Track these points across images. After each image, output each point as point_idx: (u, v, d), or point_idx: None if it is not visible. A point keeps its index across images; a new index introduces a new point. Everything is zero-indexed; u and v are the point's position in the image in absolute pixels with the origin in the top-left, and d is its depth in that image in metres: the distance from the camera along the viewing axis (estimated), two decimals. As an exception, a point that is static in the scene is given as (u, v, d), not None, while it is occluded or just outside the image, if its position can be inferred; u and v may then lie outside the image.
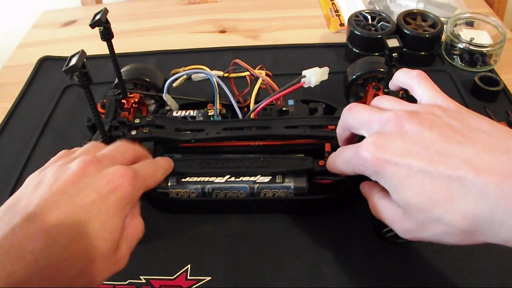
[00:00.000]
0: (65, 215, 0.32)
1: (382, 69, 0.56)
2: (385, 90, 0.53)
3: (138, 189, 0.37)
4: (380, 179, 0.35)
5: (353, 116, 0.39)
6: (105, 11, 0.48)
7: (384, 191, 0.37)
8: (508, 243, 0.32)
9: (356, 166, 0.37)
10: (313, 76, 0.51)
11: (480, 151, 0.32)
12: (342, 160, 0.39)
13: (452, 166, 0.32)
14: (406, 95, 0.42)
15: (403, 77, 0.41)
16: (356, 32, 0.70)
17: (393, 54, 0.47)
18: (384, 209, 0.37)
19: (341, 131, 0.42)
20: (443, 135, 0.33)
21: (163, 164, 0.45)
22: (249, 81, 0.56)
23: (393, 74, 0.42)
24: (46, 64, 0.78)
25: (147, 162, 0.42)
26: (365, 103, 0.56)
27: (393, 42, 0.46)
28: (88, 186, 0.34)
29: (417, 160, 0.33)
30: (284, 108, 0.55)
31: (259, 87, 0.54)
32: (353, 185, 0.50)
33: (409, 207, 0.34)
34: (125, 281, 0.46)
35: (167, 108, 0.58)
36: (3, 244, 0.30)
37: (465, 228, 0.32)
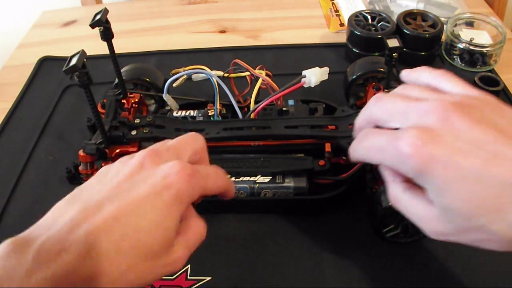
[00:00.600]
0: (117, 211, 0.31)
1: (382, 69, 0.56)
2: (385, 90, 0.53)
3: (194, 188, 0.34)
4: (420, 177, 0.31)
5: (382, 107, 0.35)
6: (105, 11, 0.48)
7: (411, 183, 0.34)
8: None
9: (389, 158, 0.33)
10: (313, 76, 0.51)
11: None
12: (370, 148, 0.35)
13: (509, 170, 0.28)
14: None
15: (428, 76, 0.37)
16: (356, 32, 0.70)
17: (393, 54, 0.47)
18: (413, 205, 0.34)
19: (362, 124, 0.38)
20: (492, 133, 0.30)
21: (228, 180, 0.39)
22: (249, 81, 0.56)
23: (393, 74, 0.42)
24: (46, 64, 0.78)
25: (213, 166, 0.38)
26: (365, 103, 0.56)
27: (393, 42, 0.46)
28: (143, 181, 0.33)
29: (470, 161, 0.29)
30: (284, 108, 0.55)
31: (259, 87, 0.54)
32: (353, 185, 0.50)
33: (450, 211, 0.30)
34: (125, 281, 0.46)
35: (167, 108, 0.58)
36: (59, 234, 0.29)
37: None
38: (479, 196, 0.29)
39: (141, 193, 0.32)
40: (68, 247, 0.28)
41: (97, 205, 0.31)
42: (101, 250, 0.29)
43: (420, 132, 0.31)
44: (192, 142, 0.38)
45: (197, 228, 0.35)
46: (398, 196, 0.35)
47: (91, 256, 0.29)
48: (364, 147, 0.36)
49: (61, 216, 0.31)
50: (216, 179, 0.37)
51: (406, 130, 0.32)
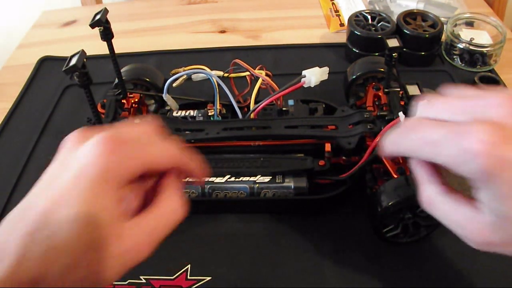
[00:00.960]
0: (46, 203, 0.28)
1: (382, 69, 0.56)
2: (385, 90, 0.53)
3: (124, 159, 0.29)
4: (483, 180, 0.27)
5: (438, 104, 0.30)
6: (105, 11, 0.48)
7: (447, 185, 0.31)
8: None
9: (446, 155, 0.28)
10: (313, 76, 0.51)
11: None
12: (420, 141, 0.30)
13: None
14: (406, 95, 0.42)
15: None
16: (356, 32, 0.70)
17: (393, 54, 0.47)
18: (453, 211, 0.30)
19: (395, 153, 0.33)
20: None
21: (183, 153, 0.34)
22: (249, 81, 0.56)
23: (393, 74, 0.42)
24: (46, 64, 0.78)
25: (164, 139, 0.33)
26: (365, 103, 0.56)
27: (393, 42, 0.47)
28: (66, 167, 0.30)
29: None
30: (284, 108, 0.55)
31: (259, 87, 0.54)
32: (353, 185, 0.50)
33: (509, 220, 0.27)
34: (125, 281, 0.46)
35: (167, 108, 0.58)
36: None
37: None
38: None
39: (65, 182, 0.29)
40: (3, 256, 0.27)
41: (30, 205, 0.29)
42: (34, 255, 0.27)
43: (492, 129, 0.26)
44: (134, 126, 0.33)
45: (165, 208, 0.31)
46: (434, 200, 0.31)
47: (28, 260, 0.27)
48: (412, 139, 0.30)
49: (4, 223, 0.29)
50: (163, 146, 0.32)
51: (474, 124, 0.27)
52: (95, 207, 0.28)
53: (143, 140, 0.31)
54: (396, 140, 0.32)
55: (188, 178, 0.35)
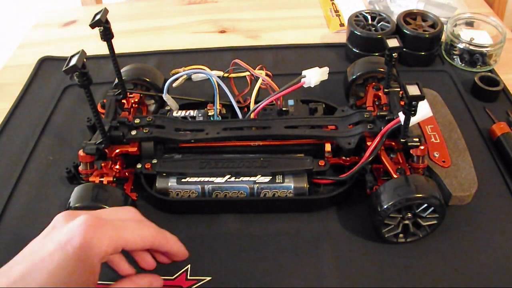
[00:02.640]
0: (26, 270, 0.32)
1: (382, 69, 0.56)
2: (385, 90, 0.53)
3: (102, 239, 0.34)
4: None
5: None
6: (105, 11, 0.48)
7: None
8: None
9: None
10: (313, 76, 0.51)
11: None
12: None
13: None
14: (406, 95, 0.42)
15: None
16: (356, 32, 0.70)
17: (393, 54, 0.47)
18: None
19: None
20: None
21: (163, 237, 0.40)
22: (249, 81, 0.56)
23: (393, 74, 0.42)
24: (46, 64, 0.78)
25: (136, 220, 0.40)
26: (365, 103, 0.56)
27: (393, 42, 0.47)
28: (51, 239, 0.34)
29: None
30: (284, 108, 0.55)
31: (259, 87, 0.54)
32: (353, 185, 0.50)
33: None
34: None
35: (167, 108, 0.58)
36: None
37: None
38: None
39: (46, 251, 0.33)
40: None
41: (9, 269, 0.33)
42: None
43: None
44: (117, 210, 0.40)
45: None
46: None
47: None
48: None
49: None
50: (135, 230, 0.37)
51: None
52: (69, 280, 0.32)
53: (119, 225, 0.36)
54: None
55: (188, 178, 0.40)
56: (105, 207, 0.45)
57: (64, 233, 0.34)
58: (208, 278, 0.46)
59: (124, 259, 0.40)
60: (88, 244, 0.33)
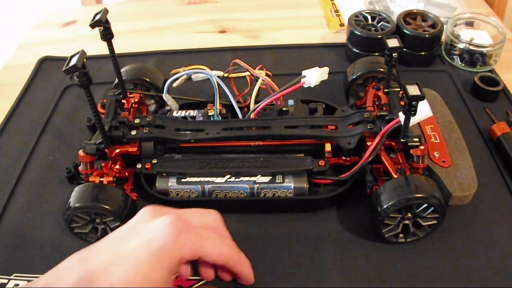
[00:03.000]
0: (109, 261, 0.33)
1: (382, 69, 0.56)
2: (385, 90, 0.53)
3: (183, 245, 0.35)
4: None
5: None
6: (105, 11, 0.48)
7: None
8: None
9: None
10: (313, 76, 0.51)
11: None
12: None
13: None
14: (406, 95, 0.42)
15: None
16: (356, 32, 0.70)
17: (393, 54, 0.47)
18: None
19: None
20: None
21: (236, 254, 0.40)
22: (249, 81, 0.56)
23: (393, 74, 0.42)
24: (46, 64, 0.78)
25: (220, 234, 0.40)
26: (365, 103, 0.56)
27: (393, 42, 0.46)
28: (137, 233, 0.35)
29: None
30: (284, 108, 0.55)
31: (259, 87, 0.54)
32: (353, 185, 0.50)
33: None
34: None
35: (167, 108, 0.58)
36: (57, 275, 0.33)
37: None
38: None
39: (132, 244, 0.34)
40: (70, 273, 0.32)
41: (92, 255, 0.34)
42: None
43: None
44: (202, 214, 0.40)
45: None
46: None
47: None
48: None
49: (64, 263, 0.34)
50: (216, 244, 0.38)
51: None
52: (149, 276, 0.33)
53: (203, 234, 0.37)
54: None
55: (188, 178, 0.40)
56: (105, 207, 0.45)
57: (150, 230, 0.35)
58: (208, 278, 0.46)
59: (190, 268, 0.40)
60: (171, 246, 0.34)
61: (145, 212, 0.37)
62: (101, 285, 0.32)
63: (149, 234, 0.35)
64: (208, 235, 0.38)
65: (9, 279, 0.47)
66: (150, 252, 0.34)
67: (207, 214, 0.41)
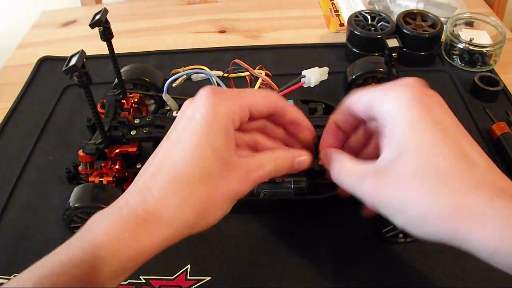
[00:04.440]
0: (164, 153, 0.34)
1: (382, 69, 0.56)
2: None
3: (229, 101, 0.35)
4: (406, 108, 0.34)
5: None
6: (105, 11, 0.48)
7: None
8: None
9: (380, 89, 0.37)
10: (313, 76, 0.51)
11: None
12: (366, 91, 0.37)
13: None
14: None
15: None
16: (356, 32, 0.70)
17: (393, 54, 0.47)
18: (357, 166, 0.38)
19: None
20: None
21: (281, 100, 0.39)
22: (249, 81, 0.56)
23: (393, 74, 0.42)
24: (46, 64, 0.78)
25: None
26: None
27: (393, 42, 0.46)
28: (181, 118, 0.36)
29: None
30: (284, 108, 0.55)
31: (259, 87, 0.54)
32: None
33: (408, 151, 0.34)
34: (125, 281, 0.46)
35: (167, 108, 0.58)
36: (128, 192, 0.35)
37: None
38: None
39: (180, 127, 0.35)
40: (127, 198, 0.33)
41: (154, 155, 0.36)
42: (154, 194, 0.32)
43: (415, 79, 0.35)
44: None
45: (261, 157, 0.37)
46: (344, 166, 0.39)
47: (147, 194, 0.33)
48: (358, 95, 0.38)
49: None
50: (258, 92, 0.39)
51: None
52: (206, 140, 0.33)
53: (240, 90, 0.38)
54: (350, 98, 0.38)
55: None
56: (104, 207, 0.45)
57: (191, 109, 0.35)
58: (208, 278, 0.46)
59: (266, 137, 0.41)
60: (214, 108, 0.34)
61: (183, 106, 0.38)
62: (171, 166, 0.33)
63: (189, 112, 0.35)
64: (245, 90, 0.38)
65: (9, 279, 0.47)
66: (197, 122, 0.34)
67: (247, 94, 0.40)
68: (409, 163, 0.32)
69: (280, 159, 0.38)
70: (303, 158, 0.40)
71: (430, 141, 0.32)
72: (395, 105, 0.34)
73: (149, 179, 0.33)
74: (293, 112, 0.40)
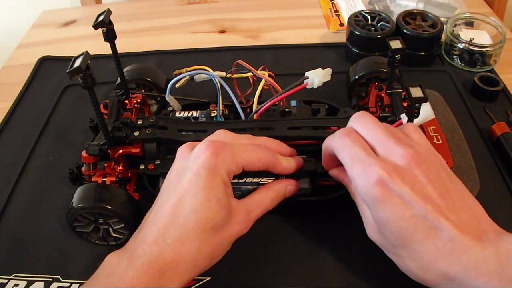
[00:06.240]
0: (174, 203, 0.38)
1: (385, 69, 0.56)
2: (387, 91, 0.53)
3: (227, 158, 0.39)
4: (372, 204, 0.38)
5: (367, 125, 0.41)
6: (108, 12, 0.48)
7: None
8: None
9: (355, 171, 0.38)
10: (316, 77, 0.51)
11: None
12: (346, 152, 0.40)
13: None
14: (409, 97, 0.42)
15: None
16: (356, 32, 0.70)
17: (396, 56, 0.47)
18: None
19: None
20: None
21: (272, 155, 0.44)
22: (251, 82, 0.56)
23: (396, 75, 0.42)
24: (46, 64, 0.77)
25: (255, 145, 0.44)
26: (367, 103, 0.57)
27: (396, 44, 0.47)
28: (184, 170, 0.39)
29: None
30: (286, 109, 0.55)
31: (262, 88, 0.54)
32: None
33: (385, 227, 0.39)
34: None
35: (170, 108, 0.58)
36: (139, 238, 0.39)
37: None
38: None
39: (186, 181, 0.38)
40: (144, 248, 0.37)
41: (161, 204, 0.39)
42: (170, 245, 0.37)
43: (392, 167, 0.37)
44: (231, 134, 0.45)
45: (257, 196, 0.44)
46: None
47: (164, 246, 0.37)
48: (336, 146, 0.41)
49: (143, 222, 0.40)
50: (253, 152, 0.42)
51: (380, 162, 0.37)
52: (211, 195, 0.38)
53: (239, 147, 0.41)
54: (333, 139, 0.42)
55: None
56: (107, 207, 0.45)
57: (193, 161, 0.39)
58: (208, 278, 0.46)
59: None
60: (215, 164, 0.38)
61: (181, 150, 0.42)
62: (183, 218, 0.37)
63: (193, 166, 0.39)
64: (243, 147, 0.42)
65: (9, 279, 0.47)
66: (202, 177, 0.38)
67: (242, 136, 0.46)
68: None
69: (274, 192, 0.44)
70: (293, 187, 0.46)
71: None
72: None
73: (163, 231, 0.37)
74: (283, 164, 0.45)
